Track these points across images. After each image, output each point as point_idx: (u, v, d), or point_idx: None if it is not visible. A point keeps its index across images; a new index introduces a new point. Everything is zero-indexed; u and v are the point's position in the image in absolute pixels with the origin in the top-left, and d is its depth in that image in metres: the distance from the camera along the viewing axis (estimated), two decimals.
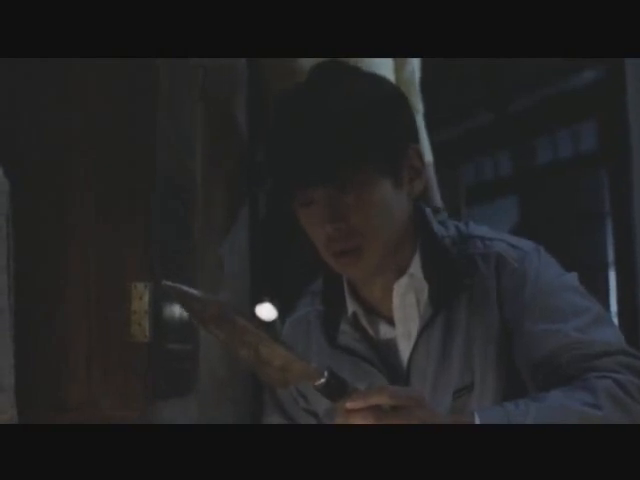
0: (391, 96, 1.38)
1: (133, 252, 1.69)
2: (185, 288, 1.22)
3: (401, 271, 1.36)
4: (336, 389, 1.16)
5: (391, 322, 1.39)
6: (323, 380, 1.15)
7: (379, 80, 1.41)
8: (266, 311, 2.82)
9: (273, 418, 1.49)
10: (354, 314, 1.40)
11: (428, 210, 1.43)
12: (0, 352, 1.37)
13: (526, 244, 1.39)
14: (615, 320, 4.28)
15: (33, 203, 1.67)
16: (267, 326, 2.83)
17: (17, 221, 1.45)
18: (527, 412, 1.16)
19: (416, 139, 1.40)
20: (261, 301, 2.81)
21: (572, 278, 1.37)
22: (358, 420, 1.12)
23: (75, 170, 1.72)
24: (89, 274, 1.70)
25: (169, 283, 1.24)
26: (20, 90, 1.74)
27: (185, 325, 1.97)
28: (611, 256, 4.62)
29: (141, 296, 1.68)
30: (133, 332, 1.67)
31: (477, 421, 1.15)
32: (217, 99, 2.58)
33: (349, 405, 1.13)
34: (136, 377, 1.67)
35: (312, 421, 1.45)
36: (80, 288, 1.69)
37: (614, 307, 4.42)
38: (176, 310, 1.91)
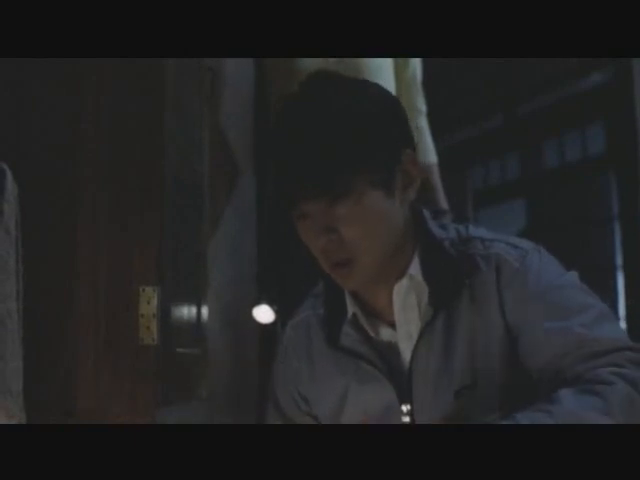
0: (382, 105, 1.35)
1: (142, 255, 1.69)
2: None
3: (401, 273, 1.37)
4: None
5: (392, 324, 1.39)
6: None
7: (370, 89, 1.38)
8: (263, 314, 2.82)
9: (275, 421, 1.49)
10: (354, 315, 1.40)
11: (426, 212, 1.42)
12: (9, 356, 1.38)
13: (526, 244, 1.39)
14: (623, 322, 4.27)
15: (42, 204, 1.68)
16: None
17: (25, 223, 1.45)
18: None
19: (410, 144, 1.37)
20: (258, 303, 2.81)
21: (573, 276, 1.37)
22: None
23: (83, 171, 1.72)
24: (98, 277, 1.70)
25: None
26: (28, 90, 1.74)
27: (193, 329, 1.97)
28: (619, 259, 4.61)
29: (149, 300, 1.68)
30: (141, 336, 1.67)
31: None
32: (224, 101, 2.58)
33: None
34: (144, 380, 1.67)
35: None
36: (89, 291, 1.70)
37: (622, 309, 4.41)
38: (184, 314, 1.91)
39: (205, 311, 2.04)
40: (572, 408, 1.17)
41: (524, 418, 1.17)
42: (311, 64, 2.25)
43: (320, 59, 1.94)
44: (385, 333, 1.40)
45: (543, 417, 1.17)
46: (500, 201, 5.63)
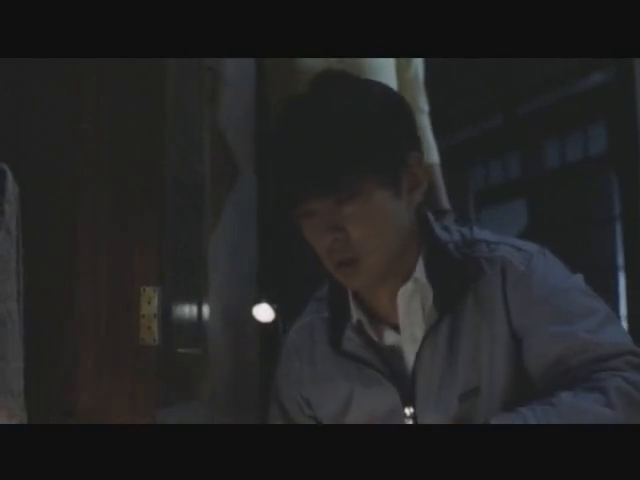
0: (388, 105, 1.34)
1: (142, 255, 1.69)
2: None
3: (405, 277, 1.36)
4: None
5: (396, 328, 1.38)
6: None
7: (377, 89, 1.38)
8: (263, 312, 2.81)
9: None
10: (358, 321, 1.40)
11: (430, 215, 1.42)
12: (10, 356, 1.38)
13: (531, 247, 1.38)
14: (624, 323, 4.27)
15: (42, 204, 1.68)
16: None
17: (25, 223, 1.45)
18: (547, 420, 1.16)
19: (417, 147, 1.37)
20: (259, 302, 2.81)
21: (578, 279, 1.37)
22: None
23: (83, 171, 1.73)
24: (98, 277, 1.70)
25: None
26: (28, 90, 1.74)
27: (194, 329, 1.97)
28: (620, 259, 4.60)
29: (150, 300, 1.68)
30: (142, 336, 1.67)
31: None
32: (224, 101, 2.58)
33: None
34: (144, 380, 1.67)
35: None
36: (89, 291, 1.70)
37: (623, 310, 4.41)
38: (185, 314, 1.91)
39: (206, 311, 2.04)
40: (573, 401, 1.18)
41: (529, 412, 1.18)
42: (311, 64, 2.26)
43: (321, 59, 1.94)
44: (389, 337, 1.39)
45: (547, 410, 1.17)
46: (501, 201, 5.63)
